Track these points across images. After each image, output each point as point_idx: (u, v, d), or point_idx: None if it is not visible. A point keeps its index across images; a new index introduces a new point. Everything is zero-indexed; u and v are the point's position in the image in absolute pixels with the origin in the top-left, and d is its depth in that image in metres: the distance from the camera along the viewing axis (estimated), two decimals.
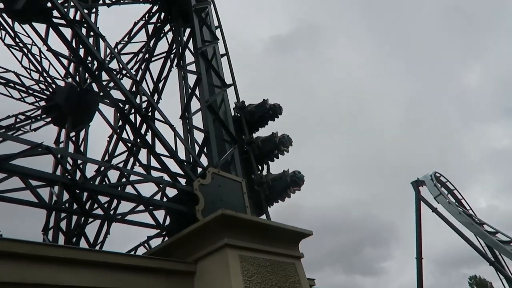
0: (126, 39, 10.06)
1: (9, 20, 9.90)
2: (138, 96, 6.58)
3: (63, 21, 6.02)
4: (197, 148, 7.36)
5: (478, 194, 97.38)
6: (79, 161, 7.00)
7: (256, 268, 5.14)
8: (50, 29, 6.28)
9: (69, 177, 5.01)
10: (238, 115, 8.81)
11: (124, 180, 6.23)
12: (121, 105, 6.73)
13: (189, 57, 8.96)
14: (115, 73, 6.68)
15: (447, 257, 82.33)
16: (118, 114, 7.68)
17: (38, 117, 9.90)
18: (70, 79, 9.40)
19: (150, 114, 6.50)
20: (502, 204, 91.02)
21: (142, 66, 9.50)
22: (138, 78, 8.71)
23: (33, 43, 10.42)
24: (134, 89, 7.25)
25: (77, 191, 5.17)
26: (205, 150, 7.21)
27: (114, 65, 6.77)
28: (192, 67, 8.57)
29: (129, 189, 5.78)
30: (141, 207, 5.85)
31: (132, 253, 6.91)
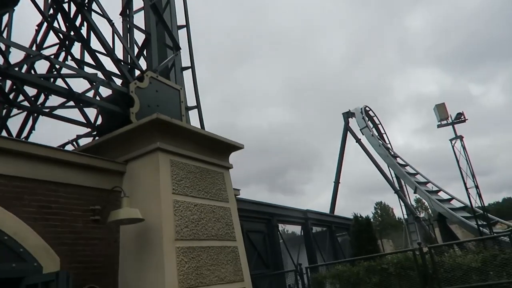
0: None
1: None
2: None
3: None
4: (136, 50, 7.04)
5: (397, 131, 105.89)
6: (2, 46, 6.39)
7: (186, 174, 5.40)
8: None
9: None
10: None
11: (54, 72, 5.89)
12: None
13: None
14: None
15: (360, 185, 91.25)
16: (50, 0, 6.96)
17: None
18: None
19: (87, 4, 5.99)
20: (416, 143, 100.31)
21: None
22: None
23: None
24: None
25: None
26: (144, 53, 6.93)
27: None
28: None
29: (59, 83, 5.52)
30: (72, 103, 5.67)
31: None
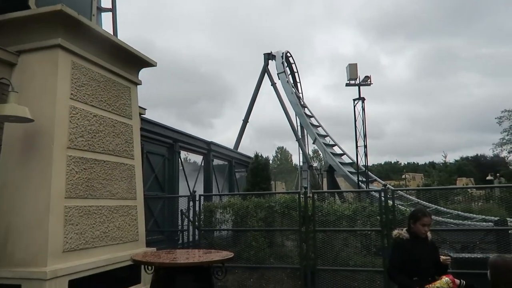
0: None
1: None
2: None
3: None
4: None
5: (310, 83, 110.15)
6: None
7: (88, 80, 4.96)
8: None
9: None
10: None
11: None
12: None
13: None
14: None
15: (266, 128, 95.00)
16: None
17: None
18: None
19: None
20: (323, 97, 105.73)
21: None
22: None
23: None
24: None
25: None
26: None
27: None
28: None
29: None
30: None
31: None
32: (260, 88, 34.11)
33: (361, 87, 20.62)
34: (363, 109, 19.93)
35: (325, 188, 27.53)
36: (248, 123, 33.56)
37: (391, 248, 4.08)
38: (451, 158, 61.48)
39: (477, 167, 54.88)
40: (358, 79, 20.66)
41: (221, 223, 8.39)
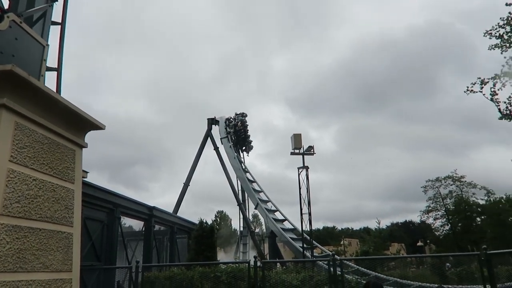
0: None
1: None
2: None
3: None
4: None
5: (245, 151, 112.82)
6: None
7: (31, 142, 4.66)
8: None
9: None
10: None
11: None
12: None
13: None
14: None
15: (203, 192, 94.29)
16: None
17: None
18: None
19: None
20: (258, 165, 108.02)
21: None
22: None
23: None
24: None
25: None
26: None
27: None
28: None
29: None
30: None
31: None
32: (202, 153, 34.12)
33: (303, 155, 21.42)
34: (307, 177, 20.58)
35: (266, 254, 27.07)
36: (188, 187, 32.97)
37: None
38: (382, 224, 64.31)
39: (407, 233, 57.62)
40: (302, 148, 21.53)
41: None
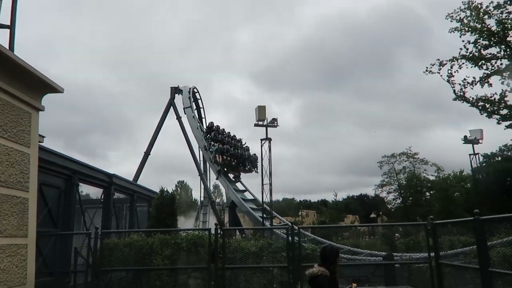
0: None
1: None
2: None
3: None
4: None
5: (214, 120, 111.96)
6: None
7: None
8: None
9: None
10: None
11: None
12: None
13: None
14: None
15: (164, 162, 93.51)
16: None
17: None
18: None
19: None
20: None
21: None
22: None
23: None
24: None
25: None
26: None
27: None
28: None
29: None
30: None
31: None
32: (164, 122, 33.54)
33: (267, 128, 21.61)
34: (270, 149, 20.87)
35: (226, 223, 27.56)
36: (149, 156, 32.52)
37: (312, 286, 4.08)
38: (340, 196, 67.00)
39: (362, 206, 60.36)
40: (266, 120, 21.64)
41: (122, 262, 7.84)
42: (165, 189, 11.82)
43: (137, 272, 7.86)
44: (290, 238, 7.23)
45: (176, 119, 32.73)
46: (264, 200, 21.93)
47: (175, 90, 33.88)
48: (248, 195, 28.23)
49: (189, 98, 33.36)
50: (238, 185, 29.66)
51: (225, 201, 34.77)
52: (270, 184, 20.82)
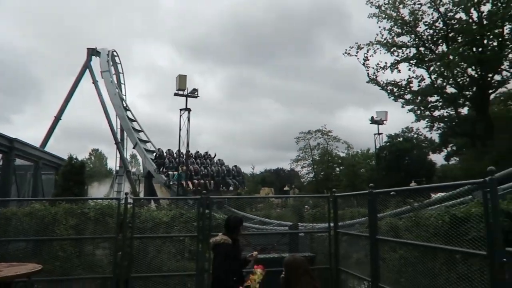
0: None
1: None
2: None
3: None
4: None
5: (133, 87, 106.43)
6: None
7: None
8: None
9: None
10: None
11: None
12: None
13: None
14: None
15: (77, 128, 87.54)
16: None
17: None
18: None
19: None
20: (139, 105, 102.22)
21: None
22: None
23: None
24: None
25: None
26: None
27: None
28: None
29: None
30: None
31: None
32: (79, 86, 31.26)
33: (187, 97, 21.29)
34: (189, 119, 20.64)
35: (142, 194, 27.00)
36: (60, 120, 30.26)
37: (214, 254, 4.30)
38: (257, 170, 69.01)
39: (278, 179, 63.01)
40: (186, 90, 21.25)
41: (21, 233, 7.37)
42: (75, 157, 11.17)
43: (37, 243, 7.46)
44: (201, 209, 7.40)
45: (92, 83, 30.73)
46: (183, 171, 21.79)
47: (92, 52, 31.59)
48: None
49: (108, 61, 31.38)
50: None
51: (142, 171, 33.89)
52: (187, 153, 20.76)
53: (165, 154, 27.00)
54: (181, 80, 20.95)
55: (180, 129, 20.47)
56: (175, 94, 21.26)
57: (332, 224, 7.98)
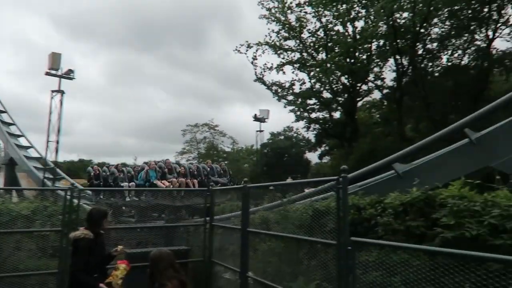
0: None
1: None
2: None
3: None
4: None
5: None
6: None
7: None
8: None
9: None
10: None
11: None
12: None
13: None
14: None
15: None
16: None
17: None
18: None
19: None
20: (7, 82, 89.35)
21: None
22: None
23: None
24: None
25: None
26: None
27: None
28: None
29: None
30: None
31: None
32: None
33: (60, 78, 19.32)
34: (61, 103, 18.78)
35: (1, 184, 23.73)
36: None
37: (73, 249, 3.99)
38: (140, 161, 66.30)
39: None
40: (60, 70, 19.19)
41: None
42: None
43: None
44: (69, 200, 6.83)
45: None
46: (54, 160, 19.86)
47: None
48: (33, 153, 24.87)
49: None
50: (22, 140, 25.77)
51: (3, 156, 29.71)
52: (57, 142, 18.96)
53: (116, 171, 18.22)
54: (55, 58, 18.83)
55: (50, 113, 18.48)
56: (47, 74, 19.05)
57: (208, 218, 8.14)
